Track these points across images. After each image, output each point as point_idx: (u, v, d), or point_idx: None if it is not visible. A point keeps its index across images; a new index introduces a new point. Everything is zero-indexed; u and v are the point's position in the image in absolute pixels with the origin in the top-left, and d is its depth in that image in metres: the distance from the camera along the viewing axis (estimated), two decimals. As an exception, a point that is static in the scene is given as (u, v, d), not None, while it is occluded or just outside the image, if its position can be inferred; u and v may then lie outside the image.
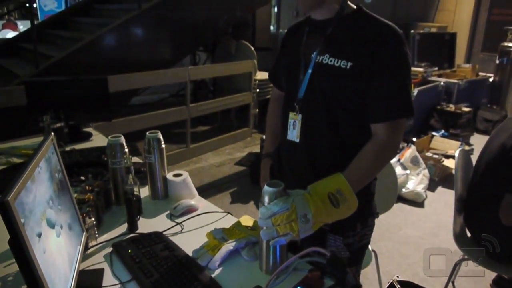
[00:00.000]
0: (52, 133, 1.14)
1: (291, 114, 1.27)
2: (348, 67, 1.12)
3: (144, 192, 1.60)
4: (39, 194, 0.91)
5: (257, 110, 5.34)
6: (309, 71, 1.20)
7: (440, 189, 3.80)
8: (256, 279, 1.09)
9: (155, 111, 4.08)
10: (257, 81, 5.20)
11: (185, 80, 4.11)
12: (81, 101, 2.32)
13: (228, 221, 1.42)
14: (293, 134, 1.27)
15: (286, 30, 1.44)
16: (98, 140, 2.26)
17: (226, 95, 4.93)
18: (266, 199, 1.03)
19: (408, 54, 1.13)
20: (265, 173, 1.52)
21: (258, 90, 5.27)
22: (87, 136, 2.29)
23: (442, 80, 5.24)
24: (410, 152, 3.78)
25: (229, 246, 1.22)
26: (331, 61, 1.15)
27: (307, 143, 1.25)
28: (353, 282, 0.83)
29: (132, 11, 3.93)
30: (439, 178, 3.89)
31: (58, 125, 2.13)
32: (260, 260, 1.15)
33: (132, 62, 3.99)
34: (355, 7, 1.20)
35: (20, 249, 0.78)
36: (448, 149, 4.29)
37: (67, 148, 2.07)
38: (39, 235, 0.86)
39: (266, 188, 1.03)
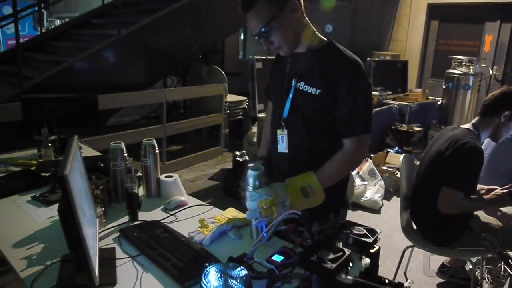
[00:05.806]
0: (75, 135, 1.39)
1: (278, 131, 1.51)
2: (317, 93, 1.38)
3: (139, 192, 1.83)
4: (77, 183, 1.15)
5: (228, 130, 5.63)
6: (290, 95, 1.46)
7: (395, 198, 4.18)
8: (242, 251, 1.32)
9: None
10: (227, 103, 5.51)
11: (162, 101, 4.38)
12: (72, 117, 2.54)
13: (214, 213, 1.69)
14: (282, 146, 1.51)
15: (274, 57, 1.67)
16: (87, 152, 2.46)
17: (196, 116, 5.19)
18: (251, 180, 1.29)
19: (367, 83, 1.38)
20: None
21: (228, 111, 5.58)
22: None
23: (396, 103, 5.73)
24: (367, 165, 4.18)
25: (219, 228, 1.49)
26: (305, 88, 1.41)
27: (293, 153, 1.50)
28: (317, 229, 1.12)
29: (111, 36, 4.16)
30: (394, 189, 4.28)
31: (52, 138, 2.33)
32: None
33: (107, 85, 4.16)
34: (326, 40, 1.44)
35: (71, 216, 1.03)
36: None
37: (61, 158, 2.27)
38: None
39: (250, 172, 1.30)
